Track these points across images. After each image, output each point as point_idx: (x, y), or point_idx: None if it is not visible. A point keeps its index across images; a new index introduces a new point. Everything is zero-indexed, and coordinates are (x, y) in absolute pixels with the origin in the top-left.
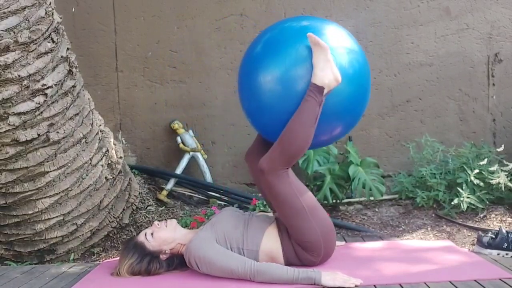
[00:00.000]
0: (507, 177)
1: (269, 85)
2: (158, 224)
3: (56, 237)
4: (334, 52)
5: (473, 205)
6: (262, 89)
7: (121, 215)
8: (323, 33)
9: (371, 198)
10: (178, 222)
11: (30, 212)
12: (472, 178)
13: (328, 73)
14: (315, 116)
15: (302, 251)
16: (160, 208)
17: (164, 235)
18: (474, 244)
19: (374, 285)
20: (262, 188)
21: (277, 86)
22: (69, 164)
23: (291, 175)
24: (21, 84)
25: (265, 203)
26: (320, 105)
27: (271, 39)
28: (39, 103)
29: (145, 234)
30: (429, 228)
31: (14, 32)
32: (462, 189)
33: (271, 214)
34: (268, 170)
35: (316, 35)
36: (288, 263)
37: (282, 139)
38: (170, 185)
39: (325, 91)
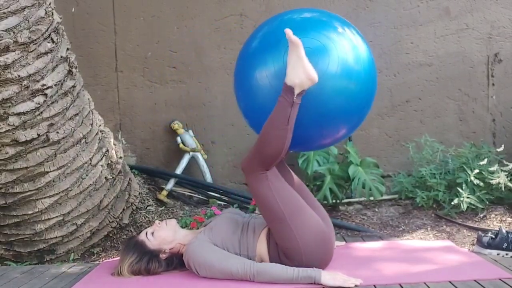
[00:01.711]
0: (507, 177)
1: (266, 81)
2: (159, 223)
3: (56, 237)
4: (337, 49)
5: (473, 205)
6: (259, 86)
7: (121, 215)
8: (323, 29)
9: (371, 198)
10: (177, 222)
11: (30, 212)
12: (472, 178)
13: (299, 72)
14: (287, 118)
15: (284, 257)
16: (160, 208)
17: (165, 234)
18: (474, 244)
19: (374, 285)
20: None
21: (274, 82)
22: (69, 164)
23: (274, 178)
24: (21, 84)
25: None
26: (292, 105)
27: (268, 33)
28: (39, 103)
29: (146, 233)
30: (429, 228)
31: (14, 32)
32: (462, 189)
33: None
34: (246, 171)
35: (311, 31)
36: None
37: (258, 140)
38: (170, 185)
39: (297, 91)
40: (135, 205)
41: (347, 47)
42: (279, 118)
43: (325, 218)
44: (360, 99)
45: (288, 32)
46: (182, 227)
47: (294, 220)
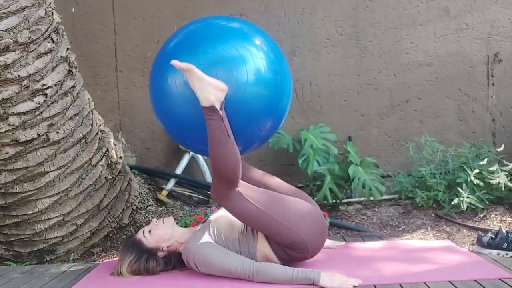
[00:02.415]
0: (507, 177)
1: (179, 90)
2: (156, 222)
3: (56, 237)
4: (252, 59)
5: (473, 205)
6: (171, 94)
7: (121, 215)
8: (243, 39)
9: (371, 198)
10: (177, 222)
11: (30, 212)
12: (472, 178)
13: (208, 90)
14: (225, 133)
15: (291, 251)
16: (160, 208)
17: (162, 231)
18: (474, 244)
19: (374, 285)
20: None
21: (187, 90)
22: (69, 164)
23: (246, 190)
24: (21, 84)
25: None
26: (223, 120)
27: (189, 35)
28: (39, 103)
29: (143, 232)
30: (429, 228)
31: (14, 32)
32: (462, 189)
33: None
34: (220, 200)
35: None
36: (284, 262)
37: (212, 168)
38: (170, 185)
39: (218, 105)
40: (135, 205)
41: (261, 58)
42: (219, 137)
43: (302, 196)
44: (275, 101)
45: (176, 63)
46: (182, 227)
47: (284, 217)
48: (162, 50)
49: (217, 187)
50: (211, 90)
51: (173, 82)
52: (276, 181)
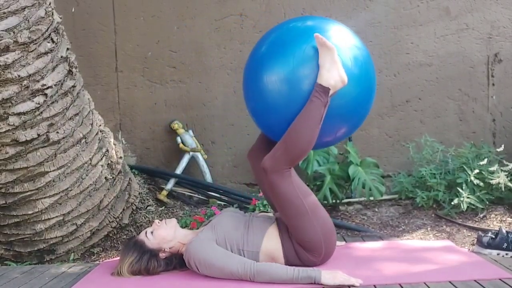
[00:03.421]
0: (507, 177)
1: (275, 85)
2: (158, 223)
3: (56, 237)
4: (339, 52)
5: (473, 205)
6: (268, 89)
7: (121, 215)
8: (328, 33)
9: (371, 198)
10: (177, 222)
11: (30, 212)
12: (472, 178)
13: (334, 74)
14: (320, 117)
15: (303, 251)
16: (160, 208)
17: (164, 233)
18: (474, 244)
19: (374, 285)
20: (264, 187)
21: (283, 86)
22: (69, 164)
23: (294, 174)
24: (21, 84)
25: (265, 203)
26: (325, 106)
27: (276, 40)
28: (39, 103)
29: (146, 233)
30: (429, 228)
31: (14, 32)
32: (462, 189)
33: (271, 215)
34: (271, 170)
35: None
36: (288, 263)
37: (286, 139)
38: (170, 185)
39: (331, 92)
40: (135, 205)
41: (346, 52)
42: (313, 118)
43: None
44: (360, 100)
45: (320, 36)
46: (182, 227)
47: (314, 213)
48: (254, 55)
49: (277, 159)
50: (335, 75)
51: (267, 80)
52: None
